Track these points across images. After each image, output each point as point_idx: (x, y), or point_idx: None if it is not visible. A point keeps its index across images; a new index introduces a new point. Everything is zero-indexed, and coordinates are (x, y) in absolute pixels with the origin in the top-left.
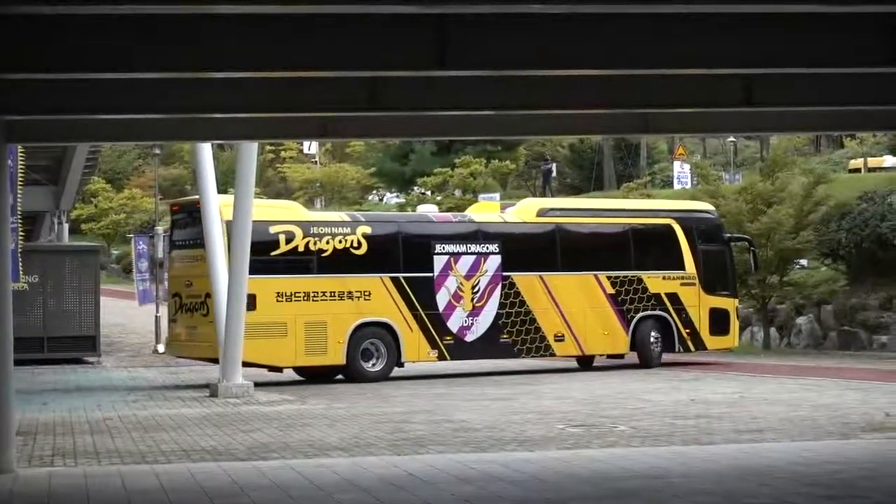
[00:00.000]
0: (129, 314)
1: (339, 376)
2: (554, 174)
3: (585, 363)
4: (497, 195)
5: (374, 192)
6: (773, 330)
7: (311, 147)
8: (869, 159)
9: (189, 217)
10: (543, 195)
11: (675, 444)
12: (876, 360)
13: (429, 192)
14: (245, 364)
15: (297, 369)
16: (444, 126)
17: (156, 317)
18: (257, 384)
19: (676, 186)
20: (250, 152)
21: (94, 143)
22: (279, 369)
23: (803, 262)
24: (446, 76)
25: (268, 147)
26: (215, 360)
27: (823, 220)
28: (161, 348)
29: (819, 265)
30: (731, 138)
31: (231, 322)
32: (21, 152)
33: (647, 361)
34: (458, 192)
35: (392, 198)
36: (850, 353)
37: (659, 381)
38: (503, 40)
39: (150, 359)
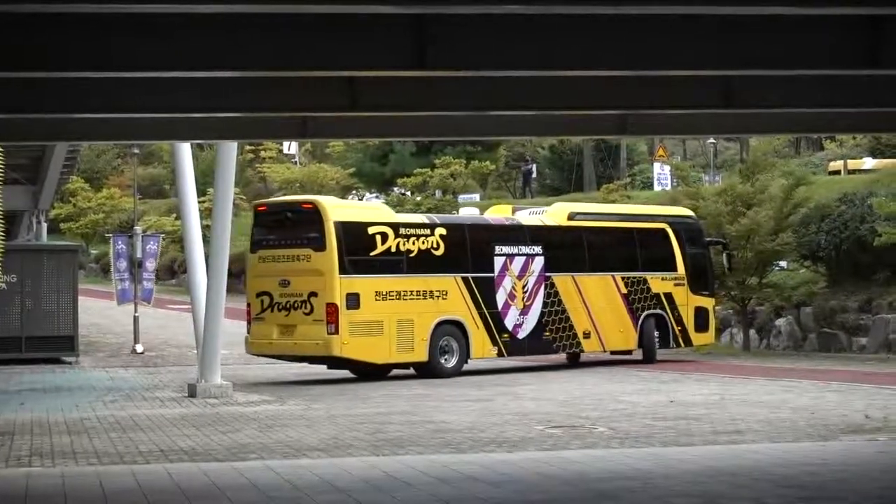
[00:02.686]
0: (107, 314)
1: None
2: (534, 175)
3: (573, 360)
4: (477, 196)
5: (354, 192)
6: (752, 331)
7: (290, 147)
8: (849, 161)
9: (282, 217)
10: (523, 196)
11: (654, 446)
12: (855, 362)
13: (408, 193)
14: (349, 361)
15: (347, 366)
16: (423, 126)
17: (134, 317)
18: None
19: (656, 188)
20: (229, 152)
21: (73, 142)
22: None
23: (783, 263)
24: (426, 76)
25: (247, 147)
26: (320, 358)
27: (803, 222)
28: (139, 348)
29: (799, 267)
30: (711, 140)
31: (210, 321)
32: (0, 152)
33: (650, 357)
34: (438, 193)
35: (371, 198)
36: (830, 355)
37: (638, 383)
38: (483, 41)
39: (128, 359)
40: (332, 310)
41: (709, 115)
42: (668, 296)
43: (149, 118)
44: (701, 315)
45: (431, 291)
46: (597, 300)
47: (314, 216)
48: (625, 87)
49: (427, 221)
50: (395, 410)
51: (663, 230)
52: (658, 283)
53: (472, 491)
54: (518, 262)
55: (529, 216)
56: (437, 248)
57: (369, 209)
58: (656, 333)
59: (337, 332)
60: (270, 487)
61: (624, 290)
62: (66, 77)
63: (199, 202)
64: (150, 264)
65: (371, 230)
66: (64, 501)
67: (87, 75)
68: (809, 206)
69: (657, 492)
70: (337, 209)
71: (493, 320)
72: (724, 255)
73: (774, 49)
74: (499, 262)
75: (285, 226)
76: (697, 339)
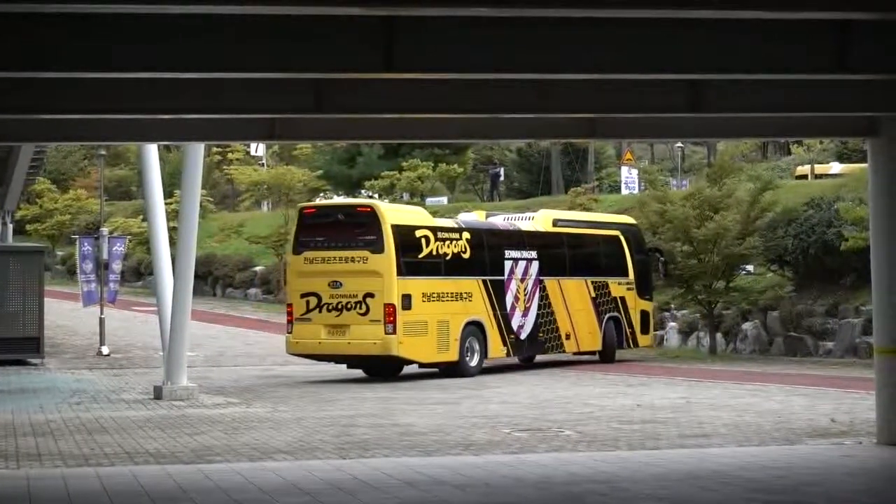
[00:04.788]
0: (73, 316)
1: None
2: (502, 178)
3: (528, 360)
4: (445, 199)
5: (322, 194)
6: (719, 335)
7: (258, 149)
8: (816, 166)
9: (332, 219)
10: (491, 200)
11: (620, 449)
12: (821, 366)
13: (376, 196)
14: (402, 360)
15: (352, 363)
16: (391, 129)
17: (100, 318)
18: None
19: (624, 192)
20: (197, 154)
21: (39, 143)
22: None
23: (749, 267)
24: (393, 79)
25: (214, 149)
26: (379, 358)
27: (770, 227)
28: (105, 350)
29: (765, 271)
30: (679, 144)
31: (176, 323)
32: None
33: (611, 357)
34: (405, 196)
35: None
36: (796, 359)
37: (605, 386)
38: (450, 43)
39: (94, 361)
40: (390, 310)
41: (677, 118)
42: (623, 299)
43: (116, 119)
44: (645, 318)
45: (461, 293)
46: (574, 303)
47: (372, 219)
48: (593, 90)
49: (455, 226)
50: (361, 413)
51: (618, 237)
52: (616, 287)
53: (438, 494)
54: (521, 266)
55: (504, 221)
56: (465, 252)
57: (414, 213)
58: (614, 335)
59: (395, 331)
60: (236, 490)
61: (593, 294)
62: (31, 77)
63: (166, 204)
64: (116, 266)
65: (418, 233)
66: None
67: (54, 76)
68: (776, 210)
69: (624, 495)
70: (392, 212)
71: (504, 321)
72: (660, 262)
73: (742, 53)
74: (508, 265)
75: (337, 228)
76: (642, 340)
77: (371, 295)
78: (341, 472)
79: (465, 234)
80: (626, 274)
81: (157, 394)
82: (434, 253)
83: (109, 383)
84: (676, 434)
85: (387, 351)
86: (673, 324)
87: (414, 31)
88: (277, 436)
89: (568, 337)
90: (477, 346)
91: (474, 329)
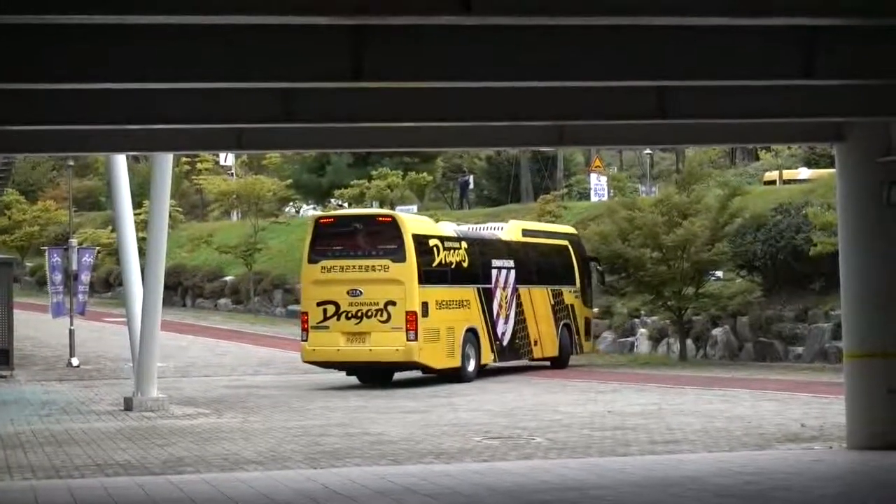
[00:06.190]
0: (42, 327)
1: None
2: (471, 186)
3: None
4: (415, 207)
5: (291, 203)
6: (689, 341)
7: (227, 159)
8: (784, 171)
9: (351, 229)
10: (461, 208)
11: (591, 456)
12: (791, 371)
13: (346, 205)
14: (422, 366)
15: (351, 370)
16: (360, 138)
17: (70, 330)
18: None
19: (593, 199)
20: (165, 164)
21: (6, 154)
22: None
23: (719, 273)
24: (362, 88)
25: (183, 159)
26: (400, 365)
27: (739, 232)
28: (75, 361)
29: (735, 277)
30: (647, 150)
31: (145, 334)
32: None
33: (565, 363)
34: (375, 204)
35: (308, 210)
36: (766, 364)
37: (575, 393)
38: (419, 52)
39: (63, 372)
40: (412, 317)
41: (646, 125)
42: (572, 307)
43: (84, 130)
44: (588, 325)
45: (462, 301)
46: (539, 310)
47: (393, 228)
48: (561, 98)
49: (455, 235)
50: (332, 422)
51: (567, 246)
52: (567, 295)
53: (410, 502)
54: (503, 275)
55: (469, 231)
56: (464, 261)
57: (426, 222)
58: (568, 342)
59: (416, 338)
60: (207, 500)
61: (552, 302)
62: None
63: (135, 214)
64: (85, 277)
65: (431, 242)
66: None
67: (19, 86)
68: (745, 216)
69: (595, 502)
70: (412, 222)
71: (492, 328)
72: (597, 271)
73: (710, 60)
74: (493, 274)
75: (356, 237)
76: (586, 346)
77: (392, 303)
78: (312, 481)
79: (464, 244)
80: (574, 282)
81: (128, 405)
82: (443, 262)
83: (79, 395)
84: (647, 440)
85: (409, 358)
86: (643, 330)
87: (382, 40)
88: (248, 446)
89: (536, 343)
90: (472, 353)
91: (471, 336)
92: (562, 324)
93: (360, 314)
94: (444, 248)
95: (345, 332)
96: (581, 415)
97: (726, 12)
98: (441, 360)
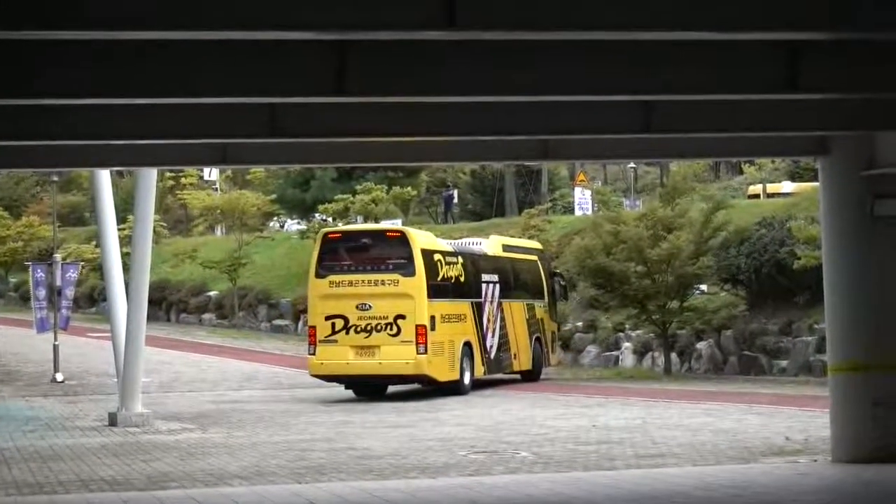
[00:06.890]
0: (26, 343)
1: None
2: (455, 200)
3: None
4: (399, 222)
5: (275, 218)
6: (673, 355)
7: (211, 173)
8: (768, 185)
9: (359, 244)
10: (445, 222)
11: (576, 470)
12: (776, 385)
13: (330, 219)
14: (431, 379)
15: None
16: (344, 153)
17: (54, 345)
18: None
19: (578, 213)
20: (149, 179)
21: None
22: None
23: (703, 287)
24: (346, 103)
25: (168, 174)
26: (408, 378)
27: (723, 246)
28: (59, 377)
29: (719, 290)
30: (631, 165)
31: (130, 349)
32: None
33: (537, 376)
34: (359, 219)
35: (293, 224)
36: (750, 378)
37: (560, 407)
38: (402, 67)
39: (48, 388)
40: (422, 331)
41: (630, 140)
42: (542, 321)
43: (68, 145)
44: (554, 338)
45: (461, 315)
46: (517, 324)
47: (403, 243)
48: (545, 112)
49: (453, 251)
50: (317, 437)
51: (537, 262)
52: (538, 309)
53: None
54: (490, 290)
55: (452, 246)
56: (461, 276)
57: (431, 238)
58: (540, 355)
59: (426, 352)
60: None
61: (526, 316)
62: None
63: (119, 229)
64: (69, 292)
65: (435, 257)
66: None
67: (4, 102)
68: (729, 229)
69: None
70: (420, 237)
71: (483, 342)
72: (559, 286)
73: (694, 74)
74: (483, 288)
75: (364, 252)
76: (553, 360)
77: (402, 316)
78: (297, 496)
79: (460, 259)
80: (543, 297)
81: (112, 420)
82: (445, 276)
83: (64, 410)
84: (632, 454)
85: (419, 371)
86: (627, 344)
87: (366, 55)
88: (233, 461)
89: (515, 356)
90: (467, 366)
91: (466, 349)
92: (534, 337)
93: (369, 328)
94: (446, 263)
95: (354, 346)
96: (566, 429)
97: (710, 27)
98: (445, 373)
